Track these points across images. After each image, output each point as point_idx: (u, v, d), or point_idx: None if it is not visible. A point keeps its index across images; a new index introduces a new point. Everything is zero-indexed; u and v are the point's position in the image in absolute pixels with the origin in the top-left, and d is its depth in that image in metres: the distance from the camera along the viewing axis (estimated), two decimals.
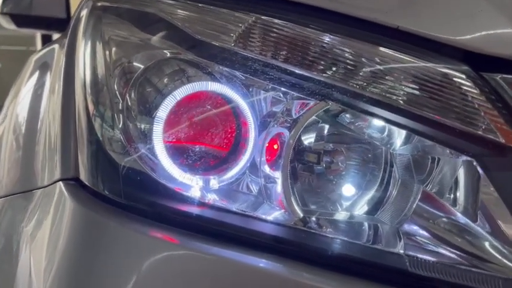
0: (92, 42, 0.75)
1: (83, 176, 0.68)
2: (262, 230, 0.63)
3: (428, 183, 0.70)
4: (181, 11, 0.72)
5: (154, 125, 0.65)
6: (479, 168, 0.63)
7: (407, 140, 0.70)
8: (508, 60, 0.60)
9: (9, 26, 1.71)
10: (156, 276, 0.61)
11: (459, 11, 0.65)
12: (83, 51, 0.75)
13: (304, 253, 0.63)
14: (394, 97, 0.62)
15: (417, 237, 0.68)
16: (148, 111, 0.67)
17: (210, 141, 0.68)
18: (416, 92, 0.61)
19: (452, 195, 0.70)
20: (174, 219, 0.64)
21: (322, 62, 0.64)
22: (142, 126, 0.67)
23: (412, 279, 0.59)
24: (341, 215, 0.71)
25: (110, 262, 0.62)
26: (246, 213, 0.65)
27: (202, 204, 0.65)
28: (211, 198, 0.67)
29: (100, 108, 0.70)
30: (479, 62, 0.61)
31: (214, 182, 0.67)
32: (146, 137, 0.66)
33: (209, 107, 0.68)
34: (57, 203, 0.69)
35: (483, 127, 0.59)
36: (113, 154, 0.67)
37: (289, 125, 0.67)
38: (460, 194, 0.68)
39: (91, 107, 0.70)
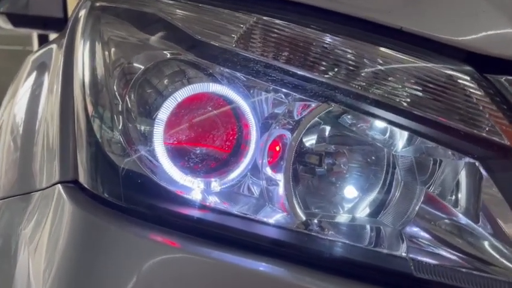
0: (91, 42, 0.74)
1: (82, 179, 0.67)
2: (265, 233, 0.62)
3: (430, 185, 0.70)
4: (181, 11, 0.71)
5: (155, 127, 0.64)
6: (482, 170, 0.63)
7: (409, 142, 0.69)
8: None
9: (6, 25, 1.70)
10: (157, 280, 0.60)
11: (462, 12, 0.64)
12: (82, 52, 0.74)
13: (307, 257, 0.62)
14: (398, 99, 0.61)
15: (420, 239, 0.67)
16: (148, 112, 0.66)
17: (211, 143, 0.68)
18: (420, 94, 0.61)
19: (453, 197, 0.70)
20: (175, 223, 0.64)
21: (325, 63, 0.63)
22: (143, 127, 0.66)
23: (416, 283, 0.58)
24: (343, 218, 0.71)
25: (109, 266, 0.62)
26: (249, 216, 0.64)
27: (203, 207, 0.65)
28: (213, 200, 0.66)
29: (99, 110, 0.69)
30: (482, 63, 0.61)
31: (215, 185, 0.66)
32: (146, 138, 0.65)
33: (210, 108, 0.67)
34: (55, 206, 0.68)
35: (488, 129, 0.58)
36: (113, 156, 0.66)
37: (291, 126, 0.66)
38: (462, 195, 0.68)
39: (90, 108, 0.70)
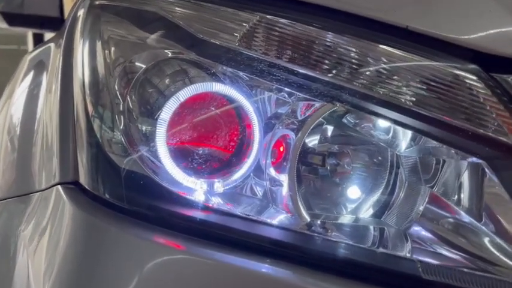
0: (91, 41, 0.73)
1: (83, 180, 0.66)
2: (269, 234, 0.62)
3: (434, 185, 0.69)
4: (183, 10, 0.70)
5: (157, 127, 0.63)
6: (487, 170, 0.62)
7: (413, 142, 0.69)
8: None
9: (1, 24, 1.68)
10: (159, 283, 0.59)
11: (468, 11, 0.64)
12: (81, 51, 0.73)
13: (311, 258, 0.61)
14: (404, 98, 0.60)
15: (423, 239, 0.67)
16: (150, 112, 0.65)
17: (214, 143, 0.67)
18: (426, 93, 0.60)
19: (456, 197, 0.69)
20: (177, 224, 0.63)
21: (330, 63, 0.63)
22: (145, 128, 0.65)
23: (421, 285, 0.58)
24: (347, 219, 0.70)
25: (111, 268, 0.61)
26: (254, 218, 0.63)
27: (206, 208, 0.64)
28: (216, 202, 0.65)
29: (100, 109, 0.68)
30: (489, 63, 0.60)
31: (218, 186, 0.65)
32: (148, 139, 0.64)
33: (213, 108, 0.66)
34: (55, 207, 0.67)
35: (494, 129, 0.58)
36: (114, 157, 0.65)
37: (295, 126, 0.66)
38: (464, 195, 0.67)
39: (90, 108, 0.68)
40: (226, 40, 0.66)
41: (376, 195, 0.71)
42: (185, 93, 0.64)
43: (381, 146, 0.70)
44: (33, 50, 1.16)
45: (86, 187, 0.65)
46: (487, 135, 0.58)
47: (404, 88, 0.61)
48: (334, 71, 0.63)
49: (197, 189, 0.65)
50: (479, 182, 0.65)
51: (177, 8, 0.70)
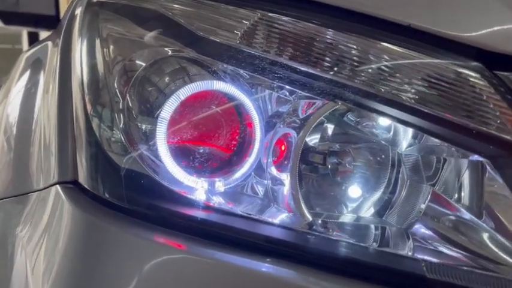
0: (89, 39, 0.73)
1: (82, 179, 0.65)
2: (270, 234, 0.61)
3: (435, 183, 0.69)
4: (183, 7, 0.70)
5: (157, 126, 0.62)
6: (489, 168, 0.62)
7: (415, 140, 0.69)
8: None
9: None
10: (160, 283, 0.58)
11: (471, 9, 0.64)
12: (80, 49, 0.72)
13: (313, 257, 0.61)
14: (407, 96, 0.60)
15: (425, 237, 0.67)
16: (151, 111, 0.64)
17: (215, 142, 0.66)
18: (430, 91, 0.60)
19: (456, 195, 0.69)
20: (178, 224, 0.62)
21: (332, 61, 0.62)
22: (145, 126, 0.64)
23: (427, 284, 0.57)
24: (349, 218, 0.70)
25: (111, 268, 0.60)
26: (255, 217, 0.63)
27: (207, 207, 0.63)
28: (217, 201, 0.65)
29: (99, 108, 0.67)
30: (492, 61, 0.60)
31: (219, 185, 0.65)
32: (149, 137, 0.64)
33: (214, 106, 0.66)
34: (54, 207, 0.66)
35: (498, 127, 0.57)
36: (114, 156, 0.64)
37: (296, 125, 0.65)
38: (465, 193, 0.67)
39: (89, 106, 0.68)
40: (227, 38, 0.65)
41: (377, 194, 0.71)
42: (186, 92, 0.63)
43: (382, 144, 0.70)
44: (29, 49, 1.15)
45: (85, 186, 0.64)
46: (491, 133, 0.58)
47: (407, 86, 0.60)
48: (336, 69, 0.62)
49: (198, 189, 0.64)
50: (480, 179, 0.65)
51: (177, 6, 0.70)
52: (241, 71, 0.66)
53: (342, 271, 0.59)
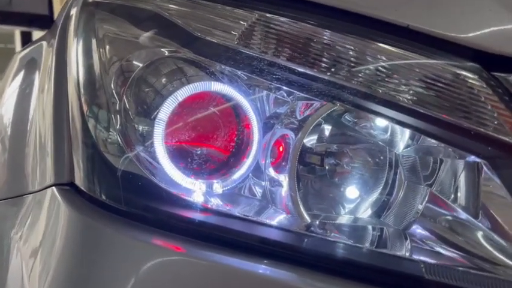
0: (85, 39, 0.72)
1: (79, 181, 0.64)
2: (271, 236, 0.61)
3: (432, 184, 0.69)
4: (180, 8, 0.69)
5: (155, 127, 0.62)
6: (486, 169, 0.62)
7: (412, 141, 0.69)
8: None
9: None
10: (159, 286, 0.58)
11: (469, 10, 0.64)
12: (76, 50, 0.72)
13: (311, 259, 0.61)
14: (405, 98, 0.60)
15: (422, 238, 0.67)
16: (148, 112, 0.64)
17: (213, 143, 0.66)
18: (427, 92, 0.60)
19: (452, 195, 0.69)
20: (176, 226, 0.62)
21: (330, 61, 0.62)
22: (142, 127, 0.64)
23: (425, 285, 0.57)
24: (347, 219, 0.69)
25: (108, 271, 0.60)
26: (254, 219, 0.63)
27: (205, 209, 0.63)
28: (215, 203, 0.64)
29: (95, 109, 0.67)
30: (490, 62, 0.60)
31: (217, 186, 0.64)
32: (146, 139, 0.63)
33: (211, 108, 0.65)
34: (50, 209, 0.66)
35: (496, 128, 0.57)
36: (110, 157, 0.64)
37: (294, 126, 0.65)
38: (461, 193, 0.67)
39: (85, 107, 0.67)
40: (225, 38, 0.65)
41: (375, 195, 0.71)
42: (184, 93, 0.63)
43: (380, 145, 0.70)
44: (23, 49, 1.14)
45: (82, 188, 0.64)
46: (489, 134, 0.58)
47: (404, 87, 0.60)
48: (333, 70, 0.62)
49: (196, 190, 0.64)
50: (476, 180, 0.65)
51: (173, 6, 0.69)
52: (239, 72, 0.65)
53: (341, 272, 0.59)
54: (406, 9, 0.65)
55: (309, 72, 0.62)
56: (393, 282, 0.58)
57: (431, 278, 0.56)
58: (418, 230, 0.67)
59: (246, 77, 0.66)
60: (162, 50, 0.67)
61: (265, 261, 0.59)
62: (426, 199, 0.67)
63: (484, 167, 0.62)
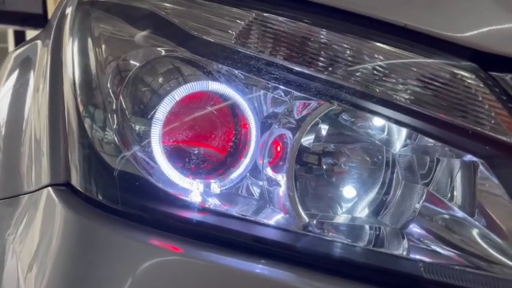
0: (81, 38, 0.71)
1: (75, 181, 0.64)
2: (268, 236, 0.61)
3: (428, 182, 0.69)
4: (176, 7, 0.69)
5: (152, 127, 0.62)
6: (483, 169, 0.62)
7: (409, 140, 0.69)
8: None
9: None
10: (157, 287, 0.58)
11: (467, 9, 0.64)
12: (71, 49, 0.71)
13: (309, 258, 0.61)
14: (403, 97, 0.60)
15: (419, 237, 0.67)
16: (145, 111, 0.63)
17: (211, 143, 0.66)
18: (425, 92, 0.60)
19: (449, 194, 0.69)
20: (173, 226, 0.61)
21: (327, 61, 0.62)
22: (139, 127, 0.63)
23: (423, 284, 0.58)
24: (344, 218, 0.69)
25: (105, 272, 0.59)
26: (252, 219, 0.62)
27: (203, 209, 0.62)
28: (212, 203, 0.64)
29: (92, 108, 0.66)
30: (487, 61, 0.60)
31: (215, 186, 0.64)
32: (143, 138, 0.63)
33: (209, 107, 0.65)
34: (46, 209, 0.65)
35: (494, 128, 0.57)
36: (107, 157, 0.63)
37: (292, 126, 0.65)
38: (457, 192, 0.67)
39: (82, 107, 0.67)
40: (222, 38, 0.65)
41: (372, 194, 0.71)
42: (181, 92, 0.62)
43: (377, 144, 0.70)
44: (18, 48, 1.13)
45: (79, 188, 0.63)
46: (486, 133, 0.58)
47: (402, 86, 0.61)
48: (330, 69, 0.62)
49: (193, 190, 0.63)
50: (472, 179, 0.65)
51: (169, 5, 0.69)
52: (236, 72, 0.65)
53: (339, 272, 0.59)
54: (404, 8, 0.65)
55: (306, 71, 0.62)
56: (392, 281, 0.58)
57: (430, 277, 0.56)
58: (415, 229, 0.67)
59: (243, 77, 0.66)
60: (159, 49, 0.67)
61: (263, 261, 0.59)
62: (423, 198, 0.67)
63: (480, 166, 0.62)
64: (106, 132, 0.65)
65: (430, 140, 0.65)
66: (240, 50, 0.63)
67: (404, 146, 0.70)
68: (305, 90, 0.62)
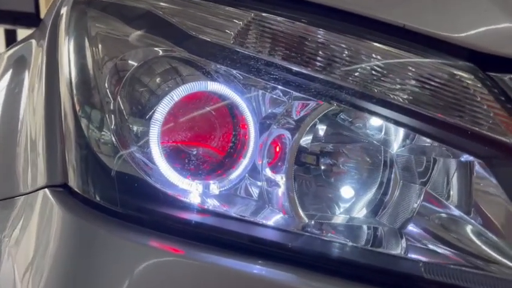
0: (77, 38, 0.71)
1: (72, 182, 0.63)
2: (269, 237, 0.60)
3: (426, 182, 0.69)
4: (173, 6, 0.68)
5: (150, 127, 0.61)
6: (481, 168, 0.62)
7: (407, 140, 0.69)
8: None
9: None
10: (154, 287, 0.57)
11: (465, 10, 0.64)
12: (67, 48, 0.71)
13: (308, 259, 0.60)
14: (401, 97, 0.60)
15: (417, 237, 0.67)
16: (143, 112, 0.63)
17: (209, 144, 0.65)
18: (423, 92, 0.60)
19: (446, 193, 0.69)
20: (172, 227, 0.61)
21: (326, 61, 0.62)
22: (137, 128, 0.63)
23: (423, 285, 0.58)
24: (343, 218, 0.69)
25: (103, 273, 0.59)
26: (251, 219, 0.62)
27: (202, 210, 0.62)
28: (211, 203, 0.64)
29: (89, 109, 0.66)
30: (485, 62, 0.60)
31: (214, 187, 0.64)
32: (141, 139, 0.62)
33: (208, 108, 0.65)
34: (43, 211, 0.64)
35: (493, 128, 0.58)
36: (105, 158, 0.63)
37: (291, 126, 0.65)
38: (454, 191, 0.68)
39: (78, 107, 0.66)
40: (220, 38, 0.64)
41: (370, 194, 0.71)
42: (179, 93, 0.62)
43: (375, 144, 0.70)
44: (11, 47, 1.12)
45: (76, 190, 0.63)
46: (485, 134, 0.58)
47: (400, 86, 0.61)
48: (328, 69, 0.62)
49: (192, 191, 0.63)
50: (469, 179, 0.65)
51: (167, 4, 0.68)
52: (235, 72, 0.65)
53: (339, 272, 0.59)
54: (402, 8, 0.65)
55: (304, 71, 0.62)
56: (391, 281, 0.59)
57: (430, 277, 0.56)
58: (413, 228, 0.68)
59: (241, 77, 0.65)
60: (157, 49, 0.66)
61: (263, 262, 0.59)
62: (421, 198, 0.67)
63: (476, 166, 0.62)
64: (103, 133, 0.64)
65: (428, 140, 0.66)
66: (238, 50, 0.63)
67: (403, 146, 0.70)
68: (304, 91, 0.62)
